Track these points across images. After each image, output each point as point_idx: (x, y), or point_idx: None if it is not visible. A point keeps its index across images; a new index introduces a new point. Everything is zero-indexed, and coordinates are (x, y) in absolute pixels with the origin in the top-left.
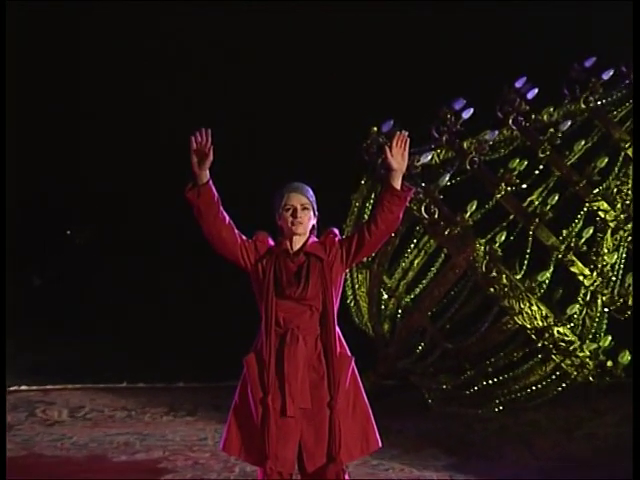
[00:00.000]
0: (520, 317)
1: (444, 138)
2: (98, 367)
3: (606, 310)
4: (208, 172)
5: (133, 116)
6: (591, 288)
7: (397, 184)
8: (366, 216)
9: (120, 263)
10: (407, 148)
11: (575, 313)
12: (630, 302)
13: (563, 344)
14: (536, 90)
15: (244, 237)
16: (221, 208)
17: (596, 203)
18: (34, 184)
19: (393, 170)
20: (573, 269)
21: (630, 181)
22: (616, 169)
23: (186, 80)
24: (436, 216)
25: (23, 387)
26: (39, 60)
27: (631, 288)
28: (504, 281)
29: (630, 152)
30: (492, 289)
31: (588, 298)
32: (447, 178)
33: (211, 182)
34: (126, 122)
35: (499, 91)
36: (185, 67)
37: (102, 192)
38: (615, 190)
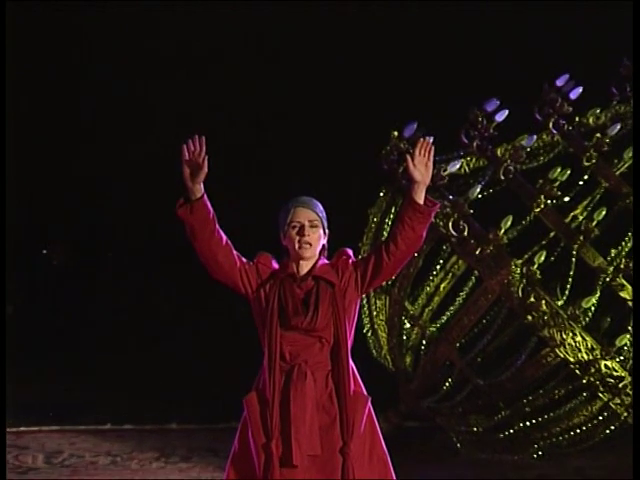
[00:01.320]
0: (562, 349)
1: (475, 144)
2: (78, 406)
3: None
4: (202, 186)
5: (126, 125)
6: None
7: (420, 198)
8: (385, 233)
9: (103, 289)
10: (432, 157)
11: (625, 345)
12: None
13: (611, 380)
14: (580, 89)
15: (244, 259)
16: (217, 226)
17: None
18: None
19: (416, 182)
20: (623, 294)
21: None
22: None
23: (187, 83)
24: (465, 233)
25: None
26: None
27: None
28: (544, 308)
29: None
30: (530, 317)
31: None
32: (478, 190)
33: (206, 197)
34: (117, 131)
35: (538, 91)
36: (187, 69)
37: (84, 207)
38: None
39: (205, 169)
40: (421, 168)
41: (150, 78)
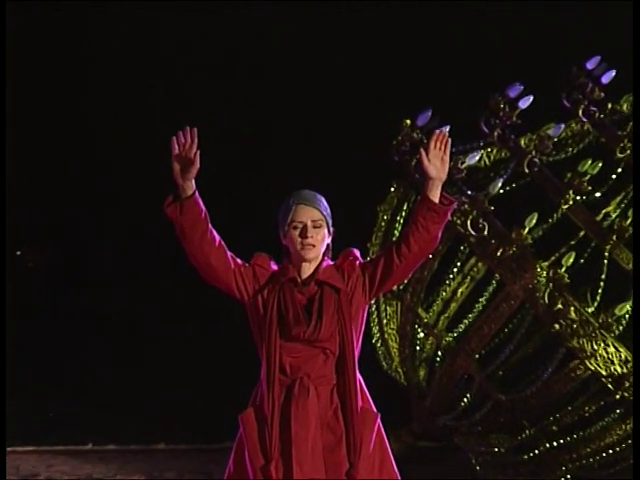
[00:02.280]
0: (593, 361)
1: (496, 133)
2: (57, 424)
3: None
4: (194, 182)
5: (126, 125)
6: None
7: (435, 196)
8: (397, 233)
9: (84, 297)
10: (448, 150)
11: None
12: None
13: None
14: (613, 73)
15: (239, 261)
16: (210, 226)
17: None
18: None
19: (430, 178)
20: None
21: None
22: None
23: (189, 81)
24: (486, 232)
25: None
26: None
27: None
28: (572, 315)
29: None
30: (557, 326)
31: None
32: (500, 184)
33: (197, 195)
34: (117, 131)
35: (566, 74)
36: (189, 67)
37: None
38: None
39: (197, 164)
40: (436, 163)
41: (150, 78)
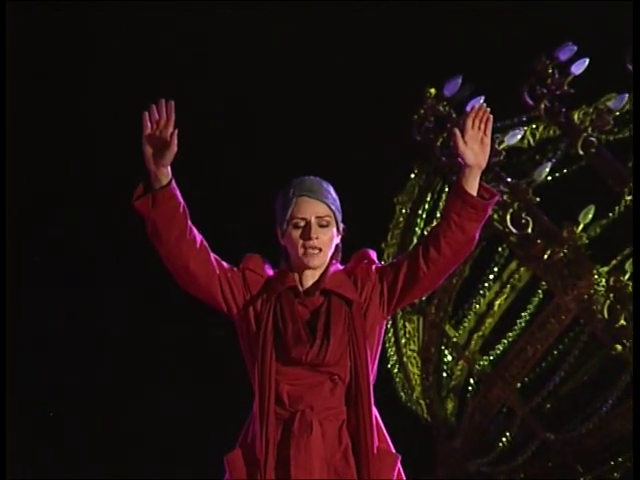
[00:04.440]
0: None
1: (542, 106)
2: None
3: None
4: (169, 169)
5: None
6: None
7: (473, 187)
8: (418, 230)
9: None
10: (490, 129)
11: None
12: None
13: None
14: None
15: (226, 265)
16: (189, 223)
17: None
18: None
19: (468, 166)
20: None
21: None
22: None
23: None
24: (529, 230)
25: None
26: None
27: None
28: None
29: None
30: (619, 346)
31: None
32: (547, 170)
33: (174, 184)
34: (117, 131)
35: (626, 35)
36: (192, 65)
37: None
38: None
39: (174, 147)
40: (474, 146)
41: (150, 77)
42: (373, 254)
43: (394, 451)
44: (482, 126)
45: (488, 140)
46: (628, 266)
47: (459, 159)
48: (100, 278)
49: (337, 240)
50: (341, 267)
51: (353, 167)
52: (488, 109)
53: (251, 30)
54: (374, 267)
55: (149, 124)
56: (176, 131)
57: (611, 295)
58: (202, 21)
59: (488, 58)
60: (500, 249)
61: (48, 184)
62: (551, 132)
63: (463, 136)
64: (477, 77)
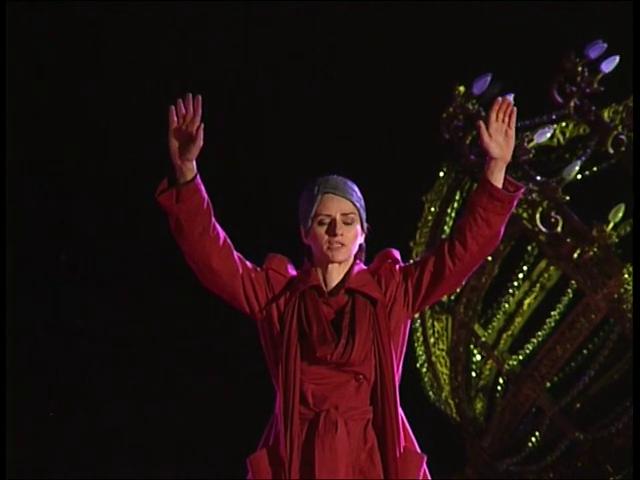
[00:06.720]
0: None
1: (572, 104)
2: None
3: None
4: (195, 164)
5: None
6: None
7: (498, 180)
8: (447, 229)
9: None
10: (514, 121)
11: None
12: None
13: None
14: None
15: (249, 264)
16: (213, 220)
17: None
18: None
19: (492, 159)
20: None
21: None
22: None
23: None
24: (559, 229)
25: None
26: None
27: None
28: None
29: None
30: None
31: None
32: (577, 168)
33: (199, 180)
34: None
35: None
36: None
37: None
38: None
39: (200, 142)
40: (499, 138)
41: (151, 77)
42: (397, 253)
43: (419, 451)
44: (506, 119)
45: (512, 133)
46: None
47: (484, 152)
48: (100, 278)
49: (361, 239)
50: (365, 267)
51: (382, 166)
52: (512, 102)
53: (279, 25)
54: (398, 266)
55: (175, 118)
56: (202, 125)
57: None
58: (212, 16)
59: (517, 56)
60: (529, 248)
61: (55, 183)
62: (581, 130)
63: (488, 129)
64: (506, 75)
